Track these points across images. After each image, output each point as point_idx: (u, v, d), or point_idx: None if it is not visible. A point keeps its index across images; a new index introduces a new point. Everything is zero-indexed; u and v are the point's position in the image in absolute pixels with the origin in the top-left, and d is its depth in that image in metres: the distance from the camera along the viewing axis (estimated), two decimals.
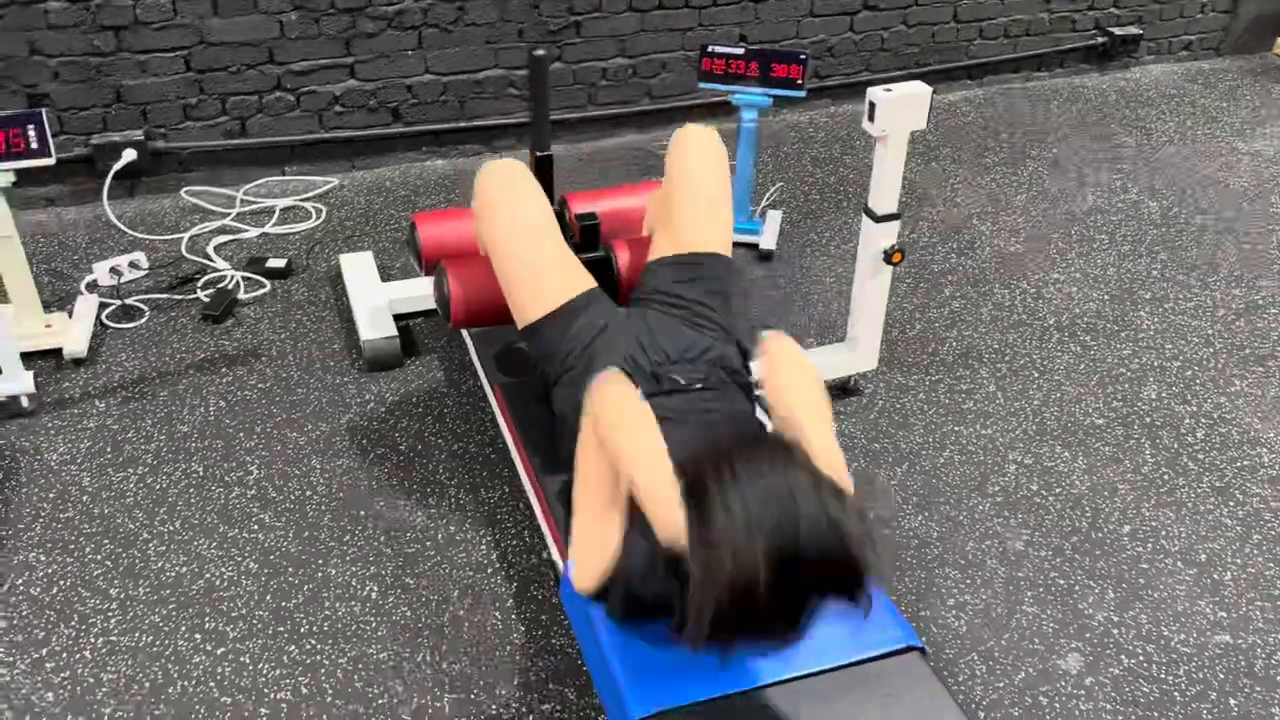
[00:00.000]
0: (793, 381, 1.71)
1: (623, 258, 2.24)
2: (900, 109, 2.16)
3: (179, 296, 2.90)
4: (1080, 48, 4.36)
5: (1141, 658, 1.97)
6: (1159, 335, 2.86)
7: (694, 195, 2.04)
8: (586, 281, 1.97)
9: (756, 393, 1.86)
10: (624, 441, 1.57)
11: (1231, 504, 2.31)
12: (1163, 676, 1.93)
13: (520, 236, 1.97)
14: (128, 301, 2.86)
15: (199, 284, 2.95)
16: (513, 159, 2.13)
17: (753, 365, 1.91)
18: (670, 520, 1.43)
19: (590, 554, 1.63)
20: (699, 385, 1.81)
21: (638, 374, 1.81)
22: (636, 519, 1.59)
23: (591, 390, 1.67)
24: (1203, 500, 2.32)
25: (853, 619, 1.45)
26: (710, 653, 1.45)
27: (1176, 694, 1.90)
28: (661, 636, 1.65)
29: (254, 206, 3.32)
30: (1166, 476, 2.39)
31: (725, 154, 2.10)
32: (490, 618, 2.02)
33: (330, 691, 1.88)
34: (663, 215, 2.08)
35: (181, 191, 3.37)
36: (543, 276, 1.95)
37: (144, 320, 2.81)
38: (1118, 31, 4.34)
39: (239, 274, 2.98)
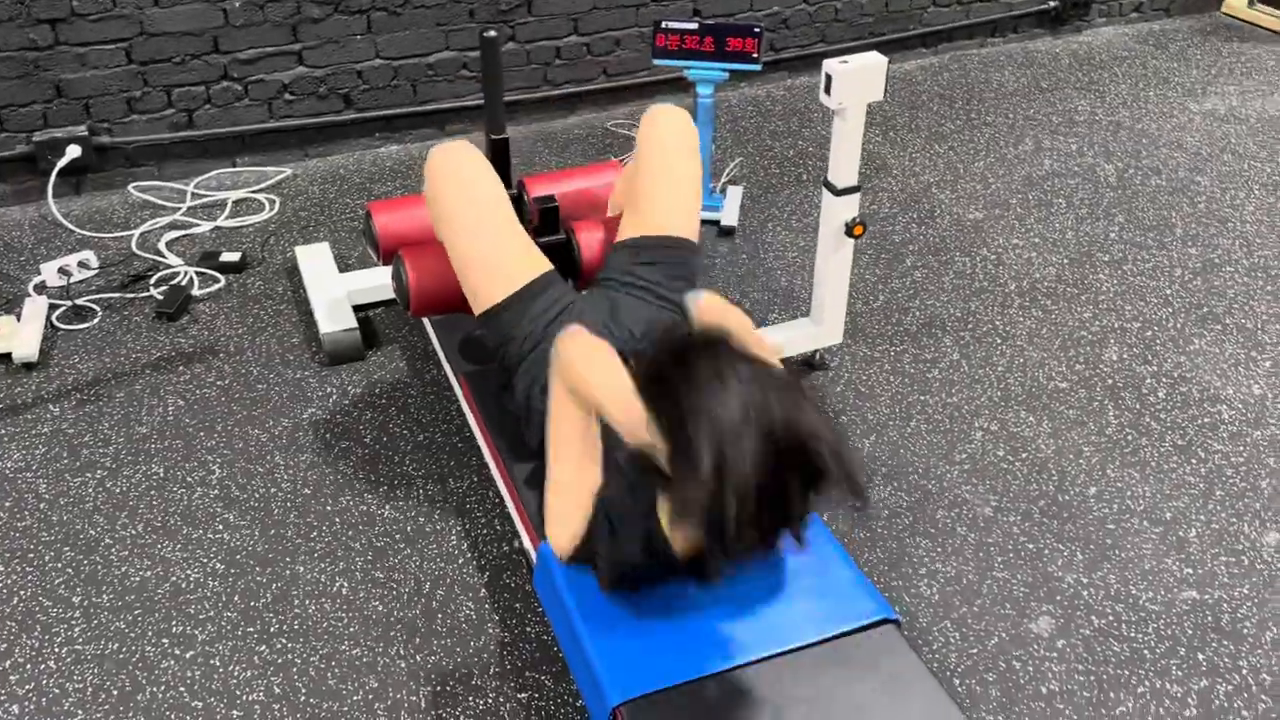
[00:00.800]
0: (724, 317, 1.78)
1: (584, 239, 2.22)
2: (857, 80, 2.15)
3: (131, 295, 2.84)
4: (1032, 12, 4.37)
5: (1111, 617, 1.99)
6: (1118, 297, 2.88)
7: (664, 178, 2.02)
8: (543, 265, 1.95)
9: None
10: (591, 377, 1.59)
11: (1194, 462, 2.34)
12: (1132, 635, 1.96)
13: (474, 220, 1.94)
14: (78, 302, 2.80)
15: (152, 281, 2.88)
16: (462, 140, 2.10)
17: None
18: (633, 415, 1.46)
19: (568, 509, 1.63)
20: None
21: None
22: (612, 475, 1.60)
23: (558, 342, 1.68)
24: (1166, 459, 2.35)
25: (827, 587, 1.45)
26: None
27: (1146, 651, 1.93)
28: (637, 622, 1.64)
29: (205, 200, 3.26)
30: (1130, 437, 2.41)
31: (696, 135, 2.09)
32: (463, 608, 2.01)
33: (304, 690, 1.86)
34: (631, 196, 2.06)
35: (129, 187, 3.30)
36: (499, 260, 1.92)
37: (96, 321, 2.75)
38: None
39: (192, 270, 2.92)
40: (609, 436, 1.62)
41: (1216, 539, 2.15)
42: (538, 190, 2.35)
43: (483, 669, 1.90)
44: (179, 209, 3.21)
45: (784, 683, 1.57)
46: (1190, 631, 1.96)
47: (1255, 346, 2.69)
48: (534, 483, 1.93)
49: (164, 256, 2.99)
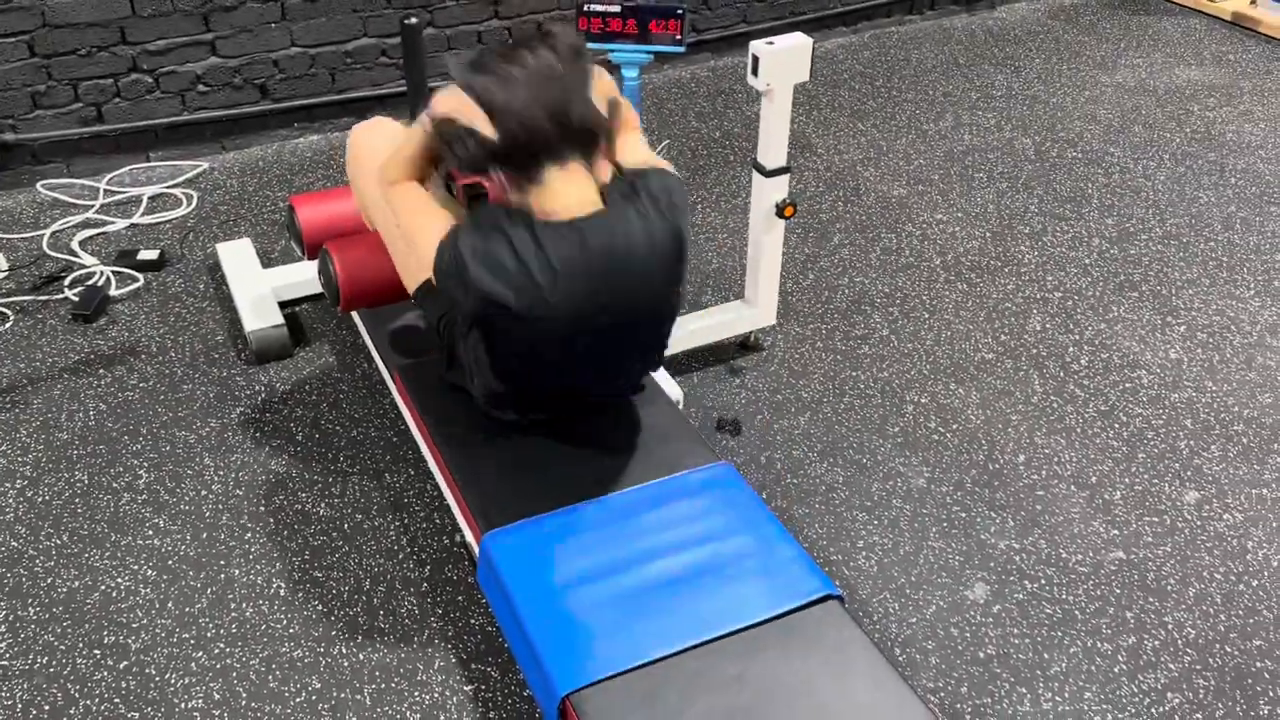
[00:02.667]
0: None
1: None
2: (783, 61, 2.16)
3: (45, 297, 2.75)
4: None
5: (1043, 581, 2.05)
6: (1039, 268, 2.95)
7: None
8: None
9: None
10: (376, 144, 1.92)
11: (1116, 426, 2.42)
12: (1064, 597, 2.02)
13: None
14: None
15: (66, 282, 2.79)
16: (379, 116, 2.07)
17: None
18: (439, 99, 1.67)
19: (428, 239, 1.72)
20: None
21: None
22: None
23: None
24: (1090, 424, 2.42)
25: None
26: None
27: (1078, 612, 1.99)
28: (582, 611, 1.64)
29: (119, 197, 3.16)
30: (1055, 404, 2.48)
31: (614, 83, 2.08)
32: (405, 604, 1.99)
33: (245, 694, 1.82)
34: None
35: (38, 185, 3.18)
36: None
37: (8, 325, 2.66)
38: None
39: (109, 269, 2.83)
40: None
41: (1140, 500, 2.23)
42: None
43: (428, 663, 1.88)
44: (91, 207, 3.11)
45: (731, 663, 1.58)
46: (1118, 591, 2.03)
47: (1170, 312, 2.78)
48: (479, 477, 1.92)
49: (78, 256, 2.89)
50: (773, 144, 2.27)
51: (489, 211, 1.69)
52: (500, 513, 1.83)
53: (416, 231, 1.76)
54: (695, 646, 1.60)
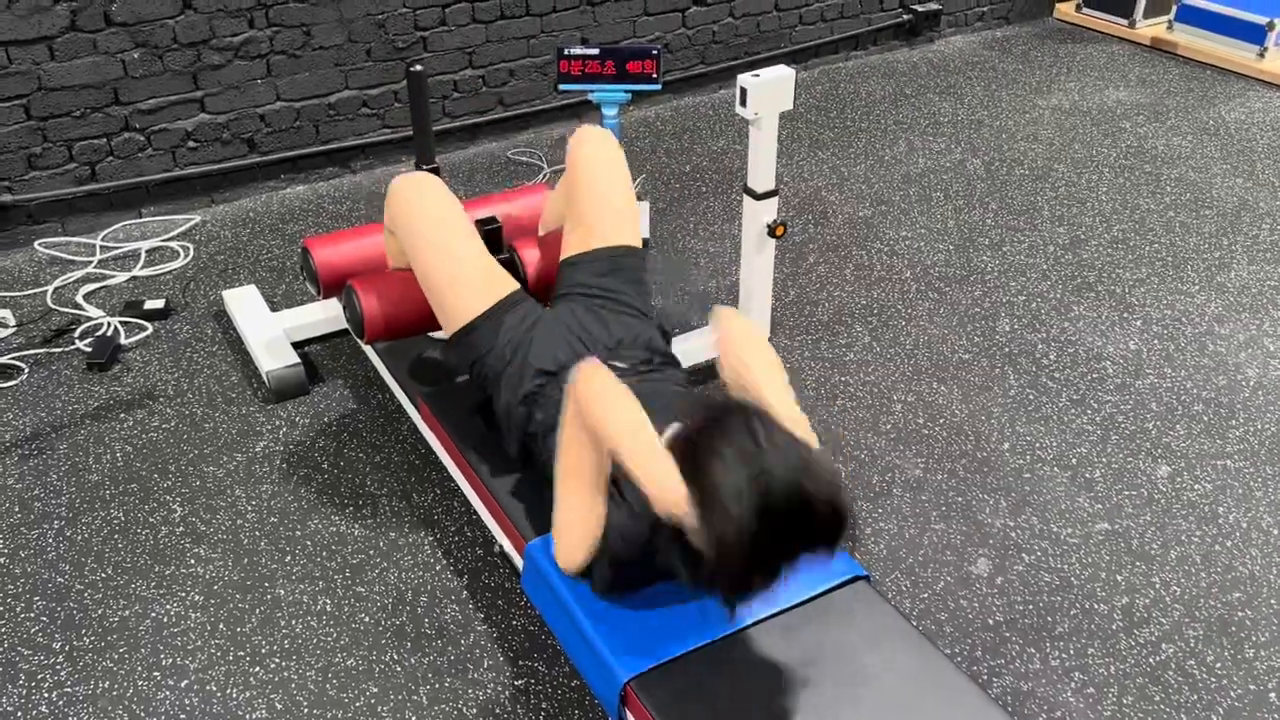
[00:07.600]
0: (746, 350, 1.79)
1: (528, 256, 2.34)
2: (769, 92, 2.34)
3: (58, 350, 2.81)
4: (889, 26, 4.71)
5: (1039, 553, 2.22)
6: (1002, 275, 3.16)
7: (601, 192, 2.14)
8: (512, 283, 2.06)
9: (716, 369, 1.88)
10: (610, 417, 1.59)
11: (1089, 412, 2.61)
12: (1060, 566, 2.18)
13: (446, 242, 2.04)
14: (1, 360, 2.76)
15: (77, 334, 2.86)
16: (418, 171, 2.20)
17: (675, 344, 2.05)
18: (669, 488, 1.50)
19: (576, 534, 1.71)
20: (642, 369, 1.93)
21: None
22: (619, 497, 1.69)
23: (573, 377, 1.67)
24: (1065, 412, 2.61)
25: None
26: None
27: (1073, 578, 2.15)
28: (631, 604, 1.75)
29: (117, 252, 3.24)
30: (1031, 396, 2.67)
31: (621, 150, 2.23)
32: (448, 611, 2.09)
33: (305, 703, 1.91)
34: (571, 214, 2.18)
35: (35, 244, 3.25)
36: (473, 279, 2.02)
37: (23, 378, 2.72)
38: (920, 8, 4.72)
39: (116, 320, 2.91)
40: (621, 489, 1.69)
41: (1118, 476, 2.41)
42: (476, 213, 2.46)
43: (477, 663, 1.98)
44: (90, 263, 3.18)
45: (776, 641, 1.71)
46: (1107, 558, 2.20)
47: (1126, 309, 3.01)
48: (513, 489, 2.04)
49: (84, 309, 2.96)
50: (762, 168, 2.45)
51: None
52: (539, 521, 1.95)
53: (568, 514, 1.73)
54: (741, 630, 1.73)
